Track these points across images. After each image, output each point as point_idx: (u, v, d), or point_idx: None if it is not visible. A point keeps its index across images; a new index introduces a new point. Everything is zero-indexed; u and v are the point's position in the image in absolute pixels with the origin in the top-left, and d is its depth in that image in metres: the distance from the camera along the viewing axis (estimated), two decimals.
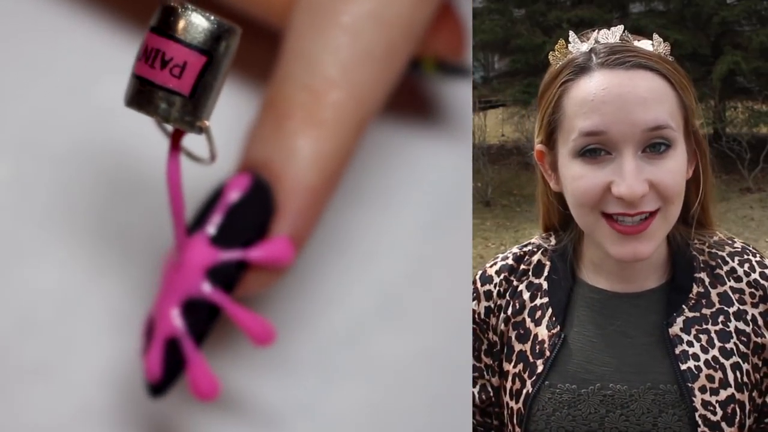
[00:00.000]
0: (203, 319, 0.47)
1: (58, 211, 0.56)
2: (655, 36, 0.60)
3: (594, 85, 0.57)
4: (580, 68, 0.58)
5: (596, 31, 0.60)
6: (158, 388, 0.48)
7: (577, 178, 0.57)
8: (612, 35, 0.59)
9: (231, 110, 0.54)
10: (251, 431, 0.55)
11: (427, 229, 0.58)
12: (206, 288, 0.47)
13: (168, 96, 0.44)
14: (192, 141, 0.47)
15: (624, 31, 0.59)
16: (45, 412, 0.54)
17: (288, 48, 0.50)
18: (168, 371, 0.47)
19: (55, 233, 0.56)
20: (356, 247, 0.57)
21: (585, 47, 0.59)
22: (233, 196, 0.48)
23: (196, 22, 0.44)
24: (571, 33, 0.60)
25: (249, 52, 0.55)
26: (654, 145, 0.56)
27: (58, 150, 0.57)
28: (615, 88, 0.56)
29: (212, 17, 0.44)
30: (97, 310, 0.55)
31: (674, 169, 0.56)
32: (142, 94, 0.44)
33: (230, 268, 0.47)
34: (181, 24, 0.44)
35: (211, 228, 0.48)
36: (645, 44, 0.59)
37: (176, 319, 0.47)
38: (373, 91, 0.50)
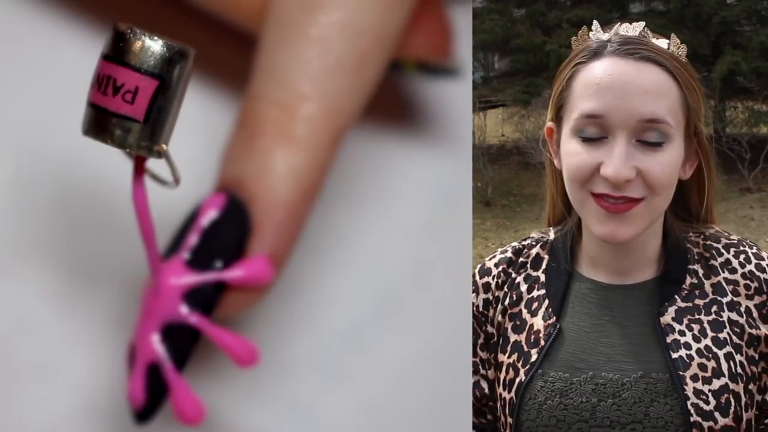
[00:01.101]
0: (184, 343, 0.47)
1: (58, 212, 0.56)
2: (673, 36, 0.62)
3: (601, 69, 0.59)
4: (594, 53, 0.60)
5: (619, 24, 0.62)
6: (142, 414, 0.47)
7: (572, 155, 0.59)
8: (633, 29, 0.61)
9: (210, 128, 0.54)
10: (251, 431, 0.55)
11: (427, 229, 0.58)
12: (184, 311, 0.47)
13: (122, 122, 0.43)
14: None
15: (644, 28, 0.61)
16: (45, 412, 0.54)
17: (259, 64, 0.49)
18: (151, 397, 0.47)
19: (55, 233, 0.56)
20: (356, 247, 0.57)
21: (605, 37, 0.61)
22: (209, 216, 0.47)
23: (147, 46, 0.43)
24: (594, 22, 0.63)
25: (229, 67, 0.55)
26: (649, 137, 0.57)
27: (58, 150, 0.57)
28: (620, 76, 0.58)
29: (162, 41, 0.44)
30: (97, 310, 0.55)
31: (665, 162, 0.58)
32: (97, 122, 0.43)
33: (208, 290, 0.47)
34: (131, 49, 0.43)
35: (187, 250, 0.47)
36: (661, 42, 0.61)
37: (156, 345, 0.47)
38: (346, 102, 0.49)
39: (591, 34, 0.62)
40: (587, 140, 0.58)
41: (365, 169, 0.58)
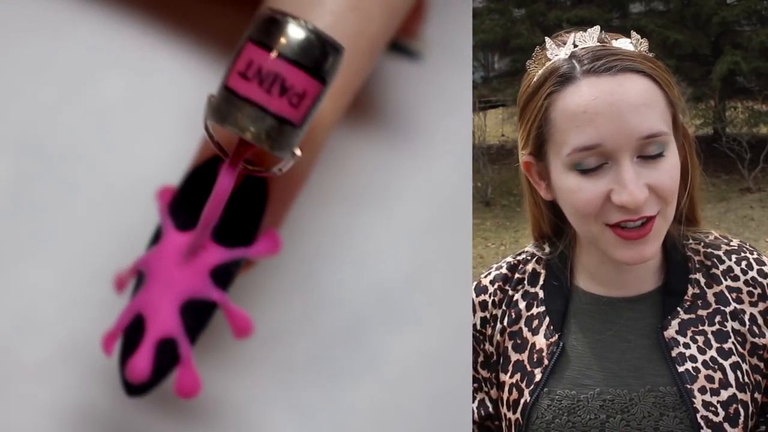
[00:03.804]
0: (201, 320, 0.46)
1: (58, 211, 0.56)
2: (633, 33, 0.58)
3: (583, 95, 0.55)
4: (565, 78, 0.56)
5: (572, 33, 0.58)
6: (140, 388, 0.46)
7: (575, 191, 0.56)
8: (589, 37, 0.58)
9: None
10: (251, 431, 0.55)
11: (427, 229, 0.58)
12: (209, 287, 0.46)
13: (281, 125, 0.41)
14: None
15: (601, 32, 0.58)
16: (45, 412, 0.54)
17: None
18: (156, 372, 0.46)
19: (55, 233, 0.56)
20: (356, 247, 0.57)
21: (563, 53, 0.58)
22: (224, 192, 0.45)
23: (325, 49, 0.41)
24: (546, 39, 0.59)
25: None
26: (650, 151, 0.55)
27: (58, 150, 0.57)
28: (606, 97, 0.55)
29: (332, 39, 0.41)
30: (96, 310, 0.55)
31: (670, 169, 0.56)
32: (251, 120, 0.41)
33: (232, 265, 0.46)
34: (303, 46, 0.40)
35: (212, 224, 0.45)
36: (624, 43, 0.58)
37: (176, 320, 0.45)
38: (361, 80, 0.48)
39: (548, 53, 0.59)
40: (587, 172, 0.55)
41: (365, 169, 0.58)
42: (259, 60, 0.41)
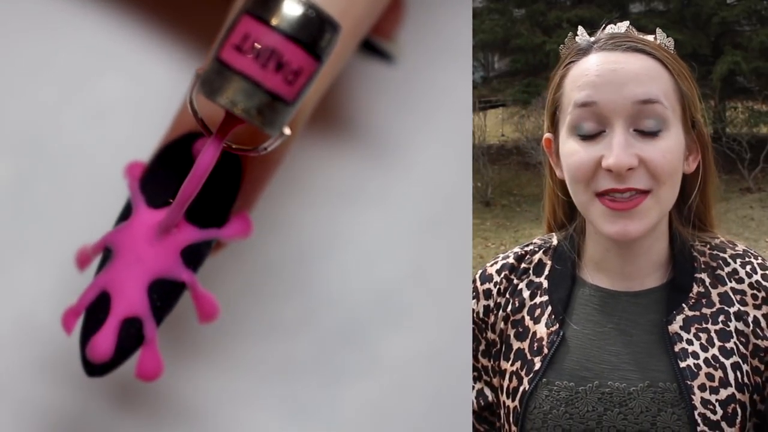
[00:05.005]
0: (170, 299, 0.45)
1: (58, 211, 0.56)
2: (659, 30, 0.62)
3: (590, 63, 0.59)
4: (582, 51, 0.60)
5: (604, 26, 0.63)
6: (101, 368, 0.45)
7: (571, 154, 0.59)
8: (618, 29, 0.62)
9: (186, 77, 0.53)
10: (250, 431, 0.55)
11: (427, 229, 0.58)
12: (182, 269, 0.45)
13: (274, 102, 0.40)
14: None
15: (629, 27, 0.61)
16: (45, 412, 0.54)
17: None
18: (119, 352, 0.44)
19: (55, 233, 0.56)
20: (356, 246, 0.57)
21: (592, 39, 0.62)
22: (205, 168, 0.43)
23: (324, 26, 0.40)
24: (580, 28, 0.63)
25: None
26: (646, 124, 0.57)
27: (58, 150, 0.57)
28: (609, 65, 0.58)
29: (326, 15, 0.40)
30: None
31: (667, 149, 0.57)
32: (240, 92, 0.40)
33: (202, 246, 0.45)
34: (301, 21, 0.40)
35: (185, 202, 0.44)
36: (648, 38, 0.61)
37: (143, 299, 0.44)
38: (340, 68, 0.47)
39: (578, 38, 0.62)
40: (585, 138, 0.58)
41: (365, 169, 0.58)
42: (256, 34, 0.40)
